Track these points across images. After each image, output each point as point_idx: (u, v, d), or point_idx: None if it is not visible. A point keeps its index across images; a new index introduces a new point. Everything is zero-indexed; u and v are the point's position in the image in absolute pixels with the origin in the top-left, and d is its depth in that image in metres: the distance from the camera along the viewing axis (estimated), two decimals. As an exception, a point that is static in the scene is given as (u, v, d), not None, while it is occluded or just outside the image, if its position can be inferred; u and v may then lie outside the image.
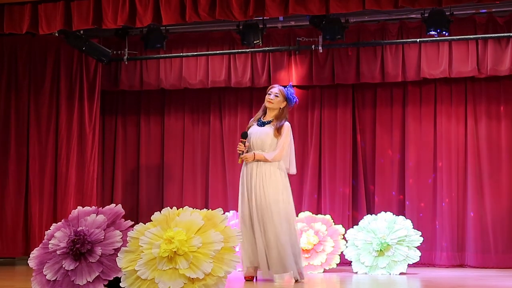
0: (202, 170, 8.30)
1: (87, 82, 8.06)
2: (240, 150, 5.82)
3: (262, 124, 5.92)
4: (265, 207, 5.69)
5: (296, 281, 5.74)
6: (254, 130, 5.89)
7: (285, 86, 6.04)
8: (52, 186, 7.91)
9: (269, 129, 5.85)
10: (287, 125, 5.89)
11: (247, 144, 5.83)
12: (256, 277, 5.82)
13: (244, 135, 5.82)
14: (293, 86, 7.81)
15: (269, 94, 5.94)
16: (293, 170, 6.02)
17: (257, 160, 5.78)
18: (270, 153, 5.79)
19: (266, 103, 5.94)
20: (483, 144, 7.53)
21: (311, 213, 7.19)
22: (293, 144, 6.01)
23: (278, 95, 5.91)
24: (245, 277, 5.79)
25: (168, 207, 4.11)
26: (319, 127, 7.99)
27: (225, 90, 8.25)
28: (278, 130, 5.82)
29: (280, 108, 5.92)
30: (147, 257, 3.93)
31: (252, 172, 5.79)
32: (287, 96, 5.94)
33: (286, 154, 5.89)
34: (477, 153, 7.55)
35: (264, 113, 5.98)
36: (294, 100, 6.00)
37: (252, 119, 6.12)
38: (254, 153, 5.79)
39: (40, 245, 4.47)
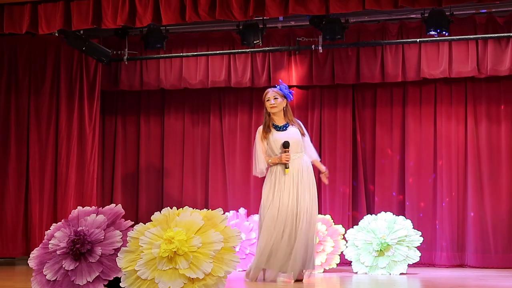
0: (202, 170, 8.29)
1: (87, 82, 8.06)
2: (288, 160, 5.78)
3: (282, 128, 5.92)
4: (309, 205, 5.80)
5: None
6: (285, 135, 5.86)
7: (274, 86, 6.06)
8: (52, 186, 7.91)
9: (297, 130, 5.94)
10: (301, 123, 6.14)
11: (289, 153, 5.82)
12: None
13: (287, 145, 5.79)
14: (293, 86, 7.87)
15: (267, 100, 5.92)
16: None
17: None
18: (316, 158, 6.12)
19: (270, 110, 5.91)
20: (483, 144, 7.53)
21: (311, 213, 7.18)
22: None
23: (277, 97, 5.91)
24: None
25: (168, 207, 4.11)
26: (319, 127, 7.99)
27: (225, 90, 8.24)
28: (301, 130, 5.99)
29: (284, 107, 5.95)
30: (147, 257, 3.92)
31: (296, 174, 5.81)
32: (283, 93, 5.96)
33: None
34: (477, 153, 7.55)
35: (271, 119, 5.96)
36: (291, 93, 6.06)
37: (261, 128, 5.96)
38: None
39: (40, 245, 4.46)
